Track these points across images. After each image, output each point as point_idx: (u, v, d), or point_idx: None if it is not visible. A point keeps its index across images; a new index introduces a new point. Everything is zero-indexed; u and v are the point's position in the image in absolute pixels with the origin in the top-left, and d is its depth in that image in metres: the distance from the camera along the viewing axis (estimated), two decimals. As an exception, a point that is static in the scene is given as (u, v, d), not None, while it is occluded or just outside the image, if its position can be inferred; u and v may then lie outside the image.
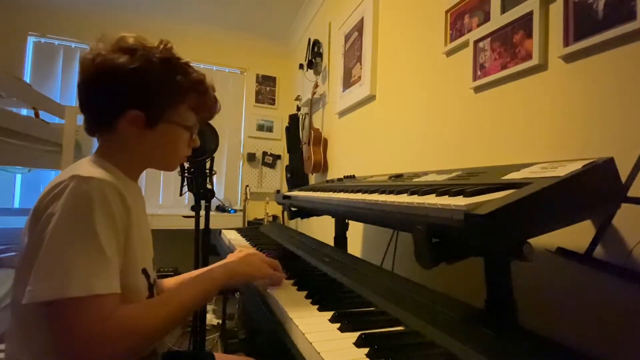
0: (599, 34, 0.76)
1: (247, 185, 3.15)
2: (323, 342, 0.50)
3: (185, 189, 1.71)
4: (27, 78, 2.91)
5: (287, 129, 3.08)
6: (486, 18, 1.08)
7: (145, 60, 0.66)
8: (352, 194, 0.89)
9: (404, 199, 0.66)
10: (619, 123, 0.73)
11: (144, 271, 0.69)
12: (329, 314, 0.60)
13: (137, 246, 0.65)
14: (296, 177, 2.84)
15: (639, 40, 0.70)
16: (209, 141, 1.63)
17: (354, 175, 1.45)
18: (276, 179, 3.58)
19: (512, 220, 0.49)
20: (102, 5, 3.00)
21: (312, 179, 2.74)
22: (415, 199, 0.62)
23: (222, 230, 1.59)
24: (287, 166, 3.05)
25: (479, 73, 1.10)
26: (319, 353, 0.47)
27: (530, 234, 0.53)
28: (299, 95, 3.08)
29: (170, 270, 2.75)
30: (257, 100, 3.59)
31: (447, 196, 0.58)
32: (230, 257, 0.88)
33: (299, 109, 2.96)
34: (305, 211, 1.38)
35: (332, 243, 1.42)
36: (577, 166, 0.57)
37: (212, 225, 1.78)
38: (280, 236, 1.46)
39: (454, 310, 0.61)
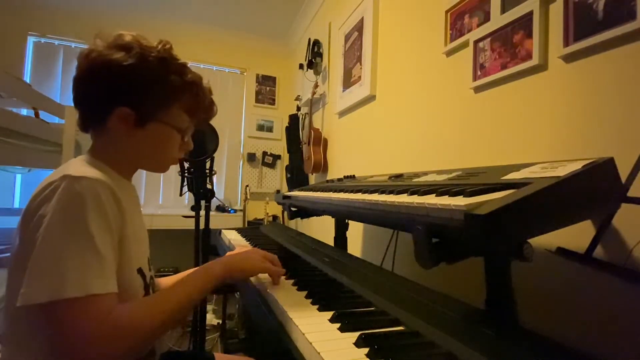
0: (599, 34, 0.76)
1: (247, 185, 3.15)
2: (323, 342, 0.50)
3: (185, 189, 1.71)
4: (27, 78, 2.91)
5: (287, 129, 3.08)
6: (486, 18, 1.08)
7: (140, 58, 0.66)
8: (352, 194, 0.88)
9: (404, 199, 0.66)
10: (619, 123, 0.73)
11: (140, 271, 0.68)
12: (329, 314, 0.60)
13: (131, 246, 0.64)
14: (296, 177, 2.84)
15: (639, 40, 0.70)
16: (209, 141, 1.64)
17: (354, 175, 1.45)
18: (276, 179, 3.58)
19: (512, 220, 0.48)
20: (102, 5, 3.00)
21: (312, 179, 2.74)
22: (415, 199, 0.62)
23: (222, 230, 1.59)
24: (287, 166, 3.05)
25: (479, 73, 1.10)
26: (319, 353, 0.47)
27: (530, 234, 0.53)
28: (299, 95, 3.08)
29: (170, 270, 2.75)
30: (257, 100, 3.59)
31: (447, 196, 0.58)
32: (228, 255, 0.88)
33: (299, 109, 2.96)
34: (305, 211, 1.38)
35: (332, 243, 1.42)
36: (577, 166, 0.57)
37: (212, 225, 1.78)
38: (280, 236, 1.46)
39: (454, 310, 0.61)
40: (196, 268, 0.75)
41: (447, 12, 1.25)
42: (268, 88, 3.64)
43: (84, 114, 0.70)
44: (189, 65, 0.74)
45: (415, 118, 1.47)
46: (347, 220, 1.46)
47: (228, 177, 3.49)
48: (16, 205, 2.84)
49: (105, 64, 0.64)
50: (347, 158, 2.19)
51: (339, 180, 1.44)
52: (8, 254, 0.61)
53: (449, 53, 1.26)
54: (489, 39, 1.06)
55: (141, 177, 3.19)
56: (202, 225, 1.76)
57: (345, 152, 2.22)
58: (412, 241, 0.55)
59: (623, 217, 0.70)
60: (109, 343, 0.53)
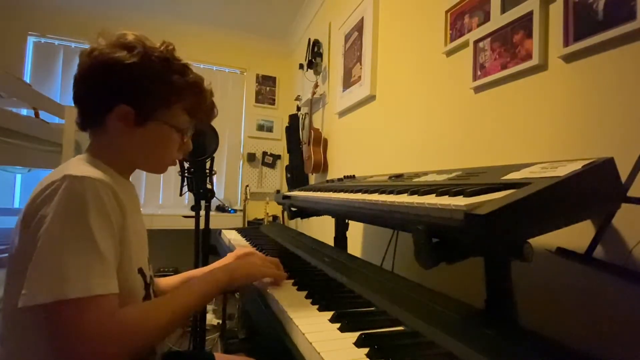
0: (599, 34, 0.76)
1: (247, 185, 3.15)
2: (323, 342, 0.50)
3: (185, 189, 1.71)
4: (27, 78, 2.91)
5: (287, 129, 3.08)
6: (486, 18, 1.08)
7: (143, 57, 0.66)
8: (352, 194, 0.88)
9: (404, 199, 0.66)
10: (619, 123, 0.73)
11: (140, 271, 0.68)
12: (329, 314, 0.60)
13: (132, 246, 0.64)
14: (296, 177, 2.84)
15: (639, 40, 0.70)
16: (209, 141, 1.64)
17: (354, 175, 1.45)
18: (276, 179, 3.58)
19: (512, 220, 0.48)
20: (102, 5, 3.00)
21: (312, 179, 2.74)
22: (416, 199, 0.62)
23: (222, 230, 1.59)
24: (287, 166, 3.05)
25: (479, 73, 1.10)
26: (319, 353, 0.47)
27: (530, 234, 0.53)
28: (299, 95, 3.08)
29: (170, 270, 2.75)
30: (257, 100, 3.59)
31: (447, 196, 0.58)
32: (228, 257, 0.87)
33: (299, 109, 2.96)
34: (305, 211, 1.38)
35: (332, 243, 1.42)
36: (577, 166, 0.57)
37: (212, 225, 1.78)
38: (280, 236, 1.46)
39: (454, 310, 0.61)
40: (199, 272, 0.75)
41: (447, 12, 1.25)
42: (268, 88, 3.64)
43: (83, 112, 0.70)
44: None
45: (415, 118, 1.47)
46: (347, 220, 1.46)
47: (228, 177, 3.49)
48: (16, 205, 2.84)
49: (107, 62, 0.64)
50: (347, 158, 2.19)
51: (339, 180, 1.44)
52: (7, 254, 0.61)
53: (449, 53, 1.26)
54: (489, 39, 1.06)
55: (141, 177, 3.19)
56: (202, 225, 1.76)
57: (345, 152, 2.22)
58: (412, 241, 0.55)
59: (623, 217, 0.70)
60: (111, 344, 0.53)
